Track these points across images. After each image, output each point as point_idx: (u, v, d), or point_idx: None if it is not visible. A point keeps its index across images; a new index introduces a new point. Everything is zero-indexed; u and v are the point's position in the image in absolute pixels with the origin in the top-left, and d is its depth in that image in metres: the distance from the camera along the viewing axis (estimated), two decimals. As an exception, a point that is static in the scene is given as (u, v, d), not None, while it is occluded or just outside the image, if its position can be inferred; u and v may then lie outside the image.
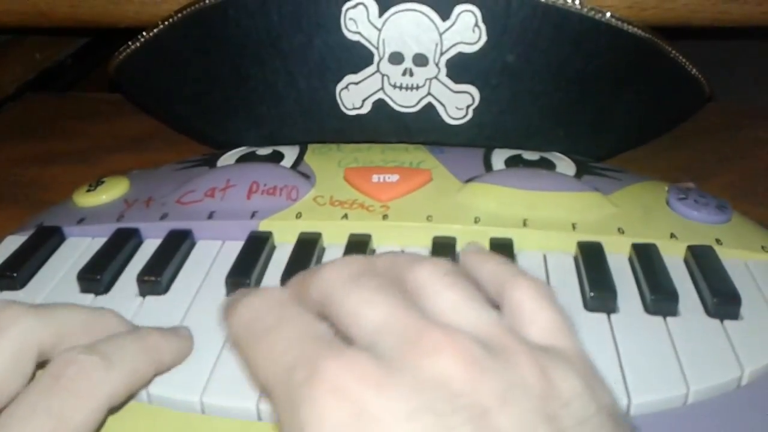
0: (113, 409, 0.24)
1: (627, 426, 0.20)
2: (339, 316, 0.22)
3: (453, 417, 0.18)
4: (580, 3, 0.35)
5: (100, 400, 0.23)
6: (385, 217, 0.35)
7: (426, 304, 0.21)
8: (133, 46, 0.42)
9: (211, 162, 0.41)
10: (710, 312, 0.30)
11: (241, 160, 0.41)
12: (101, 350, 0.24)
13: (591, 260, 0.32)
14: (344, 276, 0.22)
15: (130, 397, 0.25)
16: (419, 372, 0.19)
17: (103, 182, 0.39)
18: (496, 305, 0.23)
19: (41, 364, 0.24)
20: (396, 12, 0.35)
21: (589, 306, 0.30)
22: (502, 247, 0.33)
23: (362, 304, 0.21)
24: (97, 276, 0.32)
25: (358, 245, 0.33)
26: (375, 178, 0.37)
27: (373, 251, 0.34)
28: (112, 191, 0.38)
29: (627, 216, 0.35)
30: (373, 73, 0.37)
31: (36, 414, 0.22)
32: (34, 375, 0.24)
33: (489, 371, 0.19)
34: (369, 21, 0.36)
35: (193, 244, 0.35)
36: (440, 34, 0.36)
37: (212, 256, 0.34)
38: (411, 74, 0.37)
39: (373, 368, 0.19)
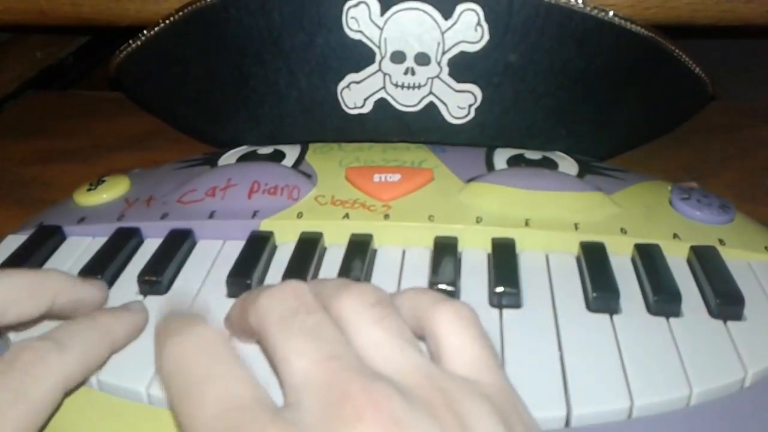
0: (70, 392, 0.25)
1: None
2: (271, 357, 0.22)
3: None
4: (583, 2, 0.35)
5: (56, 380, 0.24)
6: (386, 216, 0.34)
7: (351, 337, 0.22)
8: (134, 45, 0.41)
9: (212, 161, 0.41)
10: (713, 313, 0.30)
11: (242, 159, 0.40)
12: (54, 336, 0.25)
13: (593, 260, 0.32)
14: (278, 312, 0.22)
15: (86, 379, 0.26)
16: None
17: (103, 181, 0.39)
18: (420, 336, 0.23)
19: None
20: (398, 11, 0.35)
21: (592, 306, 0.30)
22: (505, 247, 0.33)
23: (290, 351, 0.21)
24: (97, 275, 0.32)
25: (360, 245, 0.33)
26: (376, 177, 0.37)
27: (375, 251, 0.34)
28: (112, 190, 0.38)
29: (630, 216, 0.35)
30: (375, 72, 0.37)
31: None
32: None
33: (409, 430, 0.19)
34: (371, 20, 0.35)
35: (193, 244, 0.35)
36: (442, 33, 0.35)
37: (213, 256, 0.34)
38: (413, 73, 0.37)
39: None
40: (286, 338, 0.21)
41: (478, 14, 0.35)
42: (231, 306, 0.26)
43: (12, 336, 0.29)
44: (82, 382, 0.26)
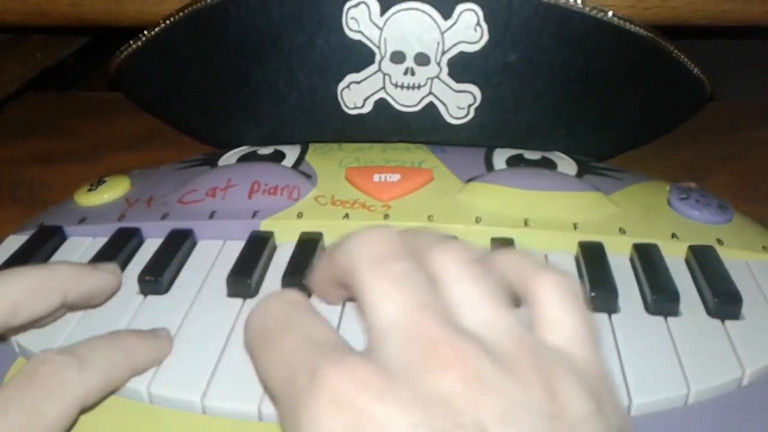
0: (87, 408, 0.24)
1: None
2: (359, 300, 0.21)
3: None
4: (582, 2, 0.35)
5: (73, 399, 0.23)
6: (386, 216, 0.35)
7: (444, 292, 0.21)
8: (134, 45, 0.42)
9: (212, 161, 0.41)
10: (711, 312, 0.30)
11: (243, 159, 0.41)
12: (76, 351, 0.24)
13: (592, 260, 0.32)
14: (370, 255, 0.22)
15: (105, 397, 0.25)
16: (422, 386, 0.18)
17: (104, 182, 0.39)
18: (518, 299, 0.22)
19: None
20: (398, 11, 0.35)
21: (590, 306, 0.30)
22: (504, 247, 0.33)
23: (381, 296, 0.21)
24: (98, 275, 0.32)
25: (359, 245, 0.33)
26: (376, 177, 0.37)
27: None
28: (113, 191, 0.39)
29: (628, 216, 0.35)
30: (375, 73, 0.37)
31: (9, 409, 0.22)
32: None
33: (492, 388, 0.18)
34: (371, 20, 0.36)
35: (194, 244, 0.35)
36: (442, 33, 0.36)
37: (213, 256, 0.34)
38: (412, 73, 0.37)
39: (375, 377, 0.18)
40: (376, 282, 0.21)
41: (477, 14, 0.35)
42: (318, 263, 0.26)
43: (20, 338, 0.29)
44: (100, 401, 0.25)
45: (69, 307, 0.28)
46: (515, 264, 0.23)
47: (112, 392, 0.26)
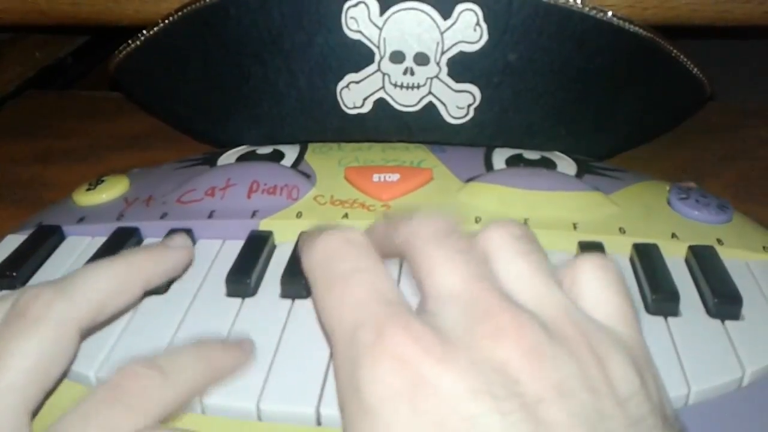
0: (165, 421, 0.24)
1: (677, 427, 0.20)
2: (418, 268, 0.22)
3: (507, 402, 0.18)
4: (582, 2, 0.35)
5: (153, 416, 0.23)
6: (385, 216, 0.35)
7: (497, 269, 0.22)
8: (133, 45, 0.42)
9: (211, 161, 0.41)
10: (711, 312, 0.30)
11: (242, 159, 0.40)
12: (161, 365, 0.24)
13: (592, 260, 0.32)
14: (433, 231, 0.22)
15: (185, 409, 0.25)
16: (481, 353, 0.19)
17: (103, 181, 0.39)
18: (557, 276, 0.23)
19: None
20: (397, 11, 0.35)
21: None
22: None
23: (442, 266, 0.21)
24: (97, 275, 0.32)
25: (359, 245, 0.33)
26: (376, 177, 0.37)
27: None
28: (112, 190, 0.38)
29: (628, 216, 0.35)
30: (374, 72, 0.37)
31: (88, 425, 0.22)
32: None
33: (549, 361, 0.19)
34: (370, 20, 0.36)
35: (193, 244, 0.35)
36: (441, 33, 0.36)
37: (212, 256, 0.34)
38: (412, 73, 0.37)
39: (437, 342, 0.19)
40: (436, 254, 0.22)
41: (477, 14, 0.35)
42: (371, 226, 0.26)
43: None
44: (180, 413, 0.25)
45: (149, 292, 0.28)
46: None
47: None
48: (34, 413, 0.23)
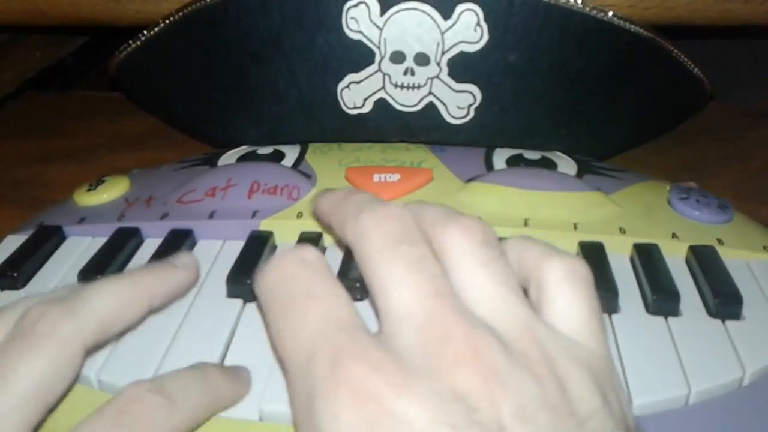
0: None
1: None
2: (368, 279, 0.21)
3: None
4: (582, 2, 0.35)
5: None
6: (386, 216, 0.34)
7: (454, 275, 0.21)
8: (133, 45, 0.42)
9: (211, 161, 0.41)
10: (712, 312, 0.30)
11: (242, 159, 0.40)
12: (167, 390, 0.23)
13: (592, 260, 0.32)
14: (382, 236, 0.21)
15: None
16: (440, 380, 0.18)
17: (103, 181, 0.39)
18: (523, 284, 0.22)
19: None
20: (397, 11, 0.35)
21: (591, 306, 0.30)
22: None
23: (392, 281, 0.20)
24: (97, 275, 0.32)
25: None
26: (376, 177, 0.37)
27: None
28: (112, 190, 0.38)
29: (628, 216, 0.35)
30: (375, 72, 0.37)
31: None
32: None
33: (508, 385, 0.18)
34: (370, 20, 0.36)
35: (193, 244, 0.35)
36: (442, 33, 0.36)
37: (213, 256, 0.34)
38: (412, 73, 0.37)
39: (395, 371, 0.18)
40: (388, 266, 0.21)
41: (477, 14, 0.35)
42: (322, 194, 0.25)
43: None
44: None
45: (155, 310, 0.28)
46: (523, 247, 0.23)
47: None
48: (36, 428, 0.23)
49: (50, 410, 0.23)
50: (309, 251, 0.23)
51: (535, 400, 0.18)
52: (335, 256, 0.33)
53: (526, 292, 0.22)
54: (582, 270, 0.22)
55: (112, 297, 0.26)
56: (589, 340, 0.21)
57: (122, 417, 0.22)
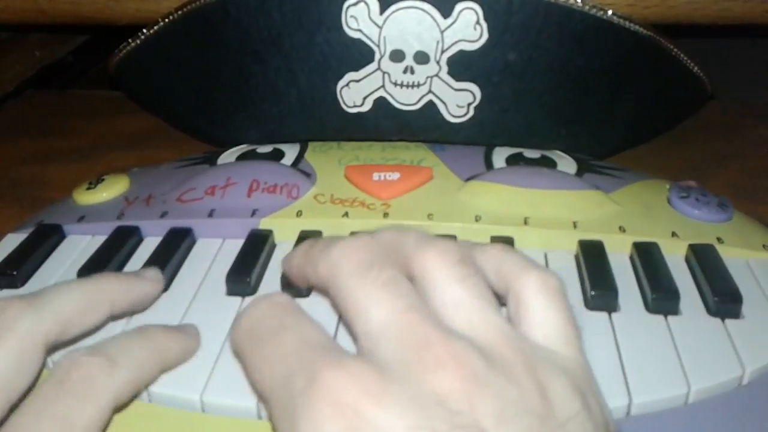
0: (119, 408, 0.24)
1: None
2: (344, 307, 0.21)
3: None
4: (582, 1, 0.35)
5: (105, 402, 0.23)
6: (385, 215, 0.35)
7: (431, 295, 0.21)
8: (133, 44, 0.41)
9: (211, 160, 0.41)
10: (711, 311, 0.30)
11: (242, 158, 0.40)
12: (106, 351, 0.24)
13: (592, 259, 0.32)
14: (353, 264, 0.22)
15: (136, 396, 0.25)
16: (419, 386, 0.18)
17: (103, 180, 0.39)
18: (498, 295, 0.22)
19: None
20: (397, 9, 0.35)
21: (590, 305, 0.30)
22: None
23: (368, 301, 0.21)
24: (97, 274, 0.32)
25: (359, 243, 0.33)
26: (376, 176, 0.37)
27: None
28: (112, 189, 0.38)
29: (628, 214, 0.35)
30: (374, 71, 0.37)
31: (42, 419, 0.22)
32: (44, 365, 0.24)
33: (488, 389, 0.18)
34: (370, 18, 0.35)
35: (193, 242, 0.35)
36: (441, 32, 0.36)
37: (212, 255, 0.34)
38: (412, 72, 0.37)
39: (374, 380, 0.18)
40: (361, 289, 0.21)
41: (477, 13, 0.35)
42: (290, 252, 0.26)
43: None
44: (132, 400, 0.25)
45: (114, 318, 0.28)
46: (498, 259, 0.23)
47: (144, 389, 0.26)
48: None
49: (12, 407, 0.23)
50: (278, 295, 0.23)
51: (515, 403, 0.18)
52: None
53: (502, 303, 0.23)
54: (557, 283, 0.22)
55: (75, 296, 0.26)
56: (565, 347, 0.21)
57: (63, 385, 0.22)
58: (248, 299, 0.31)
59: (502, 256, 0.23)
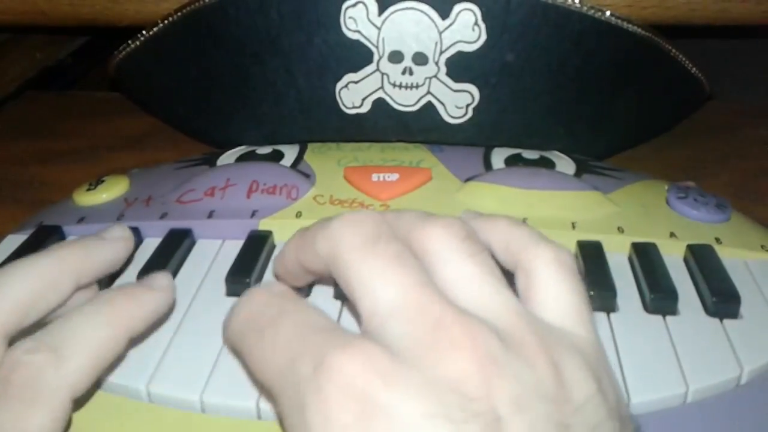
0: (83, 396, 0.23)
1: (632, 427, 0.20)
2: (348, 284, 0.20)
3: (465, 425, 0.17)
4: (580, 1, 0.35)
5: (58, 402, 0.21)
6: (384, 216, 0.35)
7: (439, 273, 0.20)
8: (133, 45, 0.42)
9: (210, 161, 0.41)
10: (710, 311, 0.30)
11: (241, 159, 0.41)
12: (50, 342, 0.22)
13: (590, 259, 0.32)
14: (357, 237, 0.20)
15: (97, 377, 0.23)
16: (433, 369, 0.17)
17: (103, 181, 0.39)
18: (506, 272, 0.22)
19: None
20: (395, 11, 0.35)
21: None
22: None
23: (374, 279, 0.19)
24: (97, 275, 0.32)
25: (358, 244, 0.33)
26: (375, 177, 0.37)
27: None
28: (112, 190, 0.38)
29: (627, 215, 0.35)
30: (373, 72, 0.37)
31: None
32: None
33: (504, 372, 0.18)
34: (368, 20, 0.36)
35: (192, 243, 0.35)
36: (440, 33, 0.36)
37: (212, 256, 0.34)
38: (411, 73, 0.37)
39: (385, 362, 0.17)
40: (367, 265, 0.20)
41: (475, 14, 0.35)
42: (281, 250, 0.24)
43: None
44: (94, 384, 0.23)
45: (81, 287, 0.25)
46: (507, 233, 0.22)
47: (105, 368, 0.23)
48: None
49: None
50: (274, 284, 0.22)
51: (531, 388, 0.18)
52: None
53: (510, 278, 0.22)
54: (569, 259, 0.21)
55: (32, 280, 0.23)
56: (579, 327, 0.20)
57: (7, 390, 0.20)
58: (248, 300, 0.31)
59: (511, 230, 0.22)
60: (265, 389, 0.21)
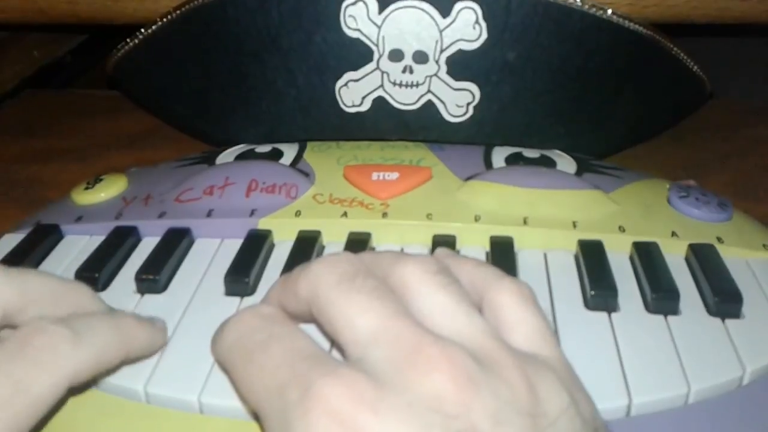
0: (75, 389, 0.23)
1: None
2: (329, 320, 0.21)
3: None
4: (581, 0, 0.35)
5: (62, 376, 0.22)
6: (384, 215, 0.34)
7: (415, 305, 0.21)
8: (131, 44, 0.41)
9: (209, 160, 0.41)
10: (711, 311, 0.30)
11: (240, 157, 0.40)
12: (73, 325, 0.23)
13: (592, 259, 0.32)
14: (335, 276, 0.22)
15: (94, 379, 0.24)
16: (413, 392, 0.18)
17: (101, 180, 0.39)
18: (477, 303, 0.23)
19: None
20: (396, 9, 0.35)
21: (590, 304, 0.30)
22: (503, 246, 0.33)
23: (354, 310, 0.21)
24: (94, 274, 0.32)
25: (358, 243, 0.33)
26: (375, 176, 0.37)
27: (373, 249, 0.34)
28: (110, 189, 0.38)
29: (628, 214, 0.35)
30: (373, 71, 0.37)
31: None
32: None
33: (482, 389, 0.19)
34: (369, 18, 0.35)
35: (191, 242, 0.35)
36: (440, 31, 0.35)
37: (211, 255, 0.34)
38: (411, 71, 0.37)
39: (368, 388, 0.18)
40: (347, 298, 0.21)
41: (476, 12, 0.35)
42: (267, 291, 0.26)
43: None
44: (88, 382, 0.24)
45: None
46: (472, 273, 0.24)
47: (102, 373, 0.25)
48: None
49: None
50: (264, 306, 0.23)
51: (508, 404, 0.19)
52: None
53: None
54: (529, 290, 0.23)
55: (44, 282, 0.25)
56: (546, 348, 0.22)
57: (24, 348, 0.22)
58: (247, 299, 0.31)
59: (476, 269, 0.24)
60: (252, 410, 0.22)
